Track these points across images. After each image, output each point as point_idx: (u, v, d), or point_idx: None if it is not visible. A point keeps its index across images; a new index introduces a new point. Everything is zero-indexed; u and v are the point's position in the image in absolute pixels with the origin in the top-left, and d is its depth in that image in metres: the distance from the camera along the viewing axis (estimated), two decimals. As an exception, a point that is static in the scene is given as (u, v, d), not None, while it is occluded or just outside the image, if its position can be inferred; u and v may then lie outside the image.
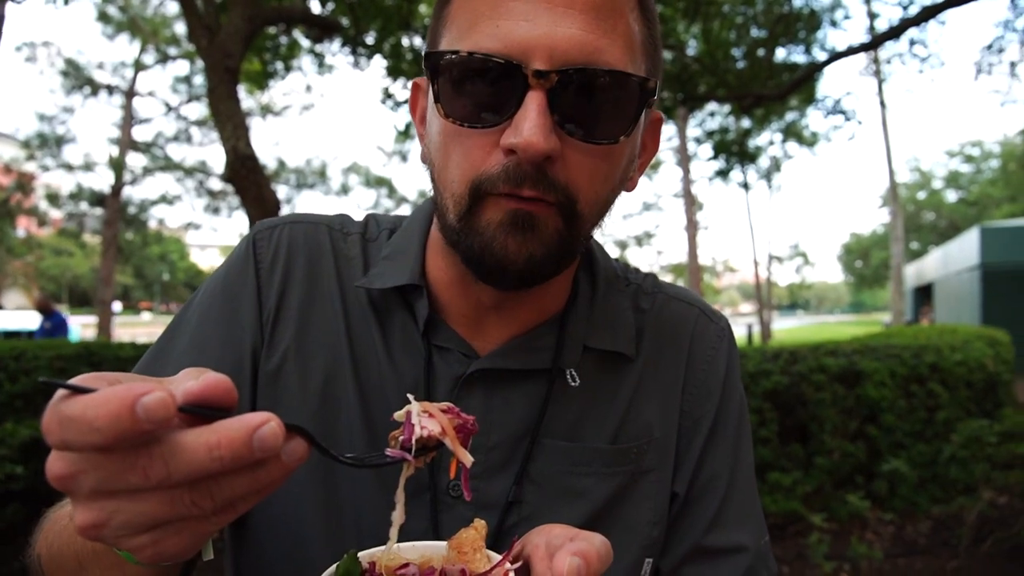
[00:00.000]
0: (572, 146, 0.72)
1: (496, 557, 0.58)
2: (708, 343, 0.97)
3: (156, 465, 0.44)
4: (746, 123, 15.24)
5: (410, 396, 0.63)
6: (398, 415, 0.62)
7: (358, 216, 1.01)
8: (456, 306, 0.88)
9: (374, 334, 0.88)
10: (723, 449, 0.95)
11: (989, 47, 10.04)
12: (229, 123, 4.45)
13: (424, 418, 0.60)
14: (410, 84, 0.88)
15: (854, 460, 5.52)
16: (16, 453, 4.52)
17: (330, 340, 0.88)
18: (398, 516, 0.61)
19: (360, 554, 0.59)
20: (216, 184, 25.93)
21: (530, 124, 0.68)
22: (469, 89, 0.72)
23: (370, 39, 9.40)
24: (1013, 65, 10.20)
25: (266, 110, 24.54)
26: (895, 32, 8.74)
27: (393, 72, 9.85)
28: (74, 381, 0.45)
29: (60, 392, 0.44)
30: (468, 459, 0.60)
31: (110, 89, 23.53)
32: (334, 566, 0.58)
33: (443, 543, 0.61)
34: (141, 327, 47.47)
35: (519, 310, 0.87)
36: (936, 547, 5.01)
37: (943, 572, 4.60)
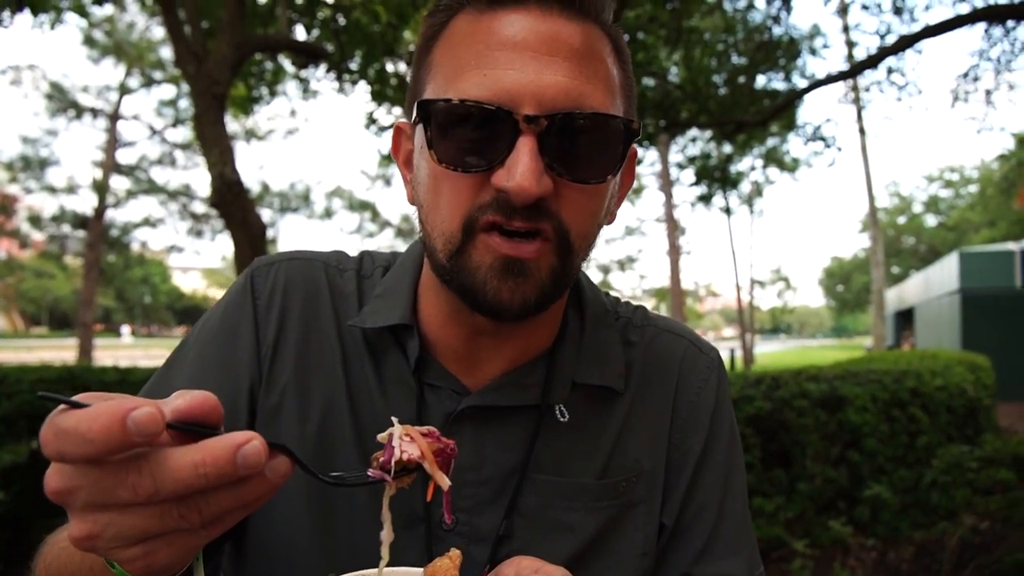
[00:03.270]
0: (563, 186, 0.75)
1: None
2: (698, 375, 0.99)
3: (144, 481, 0.46)
4: (728, 149, 15.42)
5: (394, 419, 0.65)
6: (381, 437, 0.64)
7: (353, 252, 1.03)
8: (447, 344, 0.89)
9: (368, 371, 0.90)
10: (712, 481, 0.95)
11: (965, 75, 10.23)
12: (216, 149, 4.47)
13: (405, 441, 0.63)
14: (392, 127, 0.91)
15: (836, 485, 5.54)
16: (-2, 479, 4.47)
17: (327, 377, 0.90)
18: (386, 535, 0.64)
19: None
20: (199, 207, 25.86)
21: (522, 168, 0.71)
22: (461, 135, 0.74)
23: (354, 65, 9.47)
24: (988, 93, 10.39)
25: (250, 134, 24.57)
26: (873, 61, 8.91)
27: (378, 97, 9.91)
28: (74, 398, 0.47)
29: (59, 407, 0.46)
30: (445, 483, 0.63)
31: (94, 112, 23.53)
32: None
33: (419, 570, 0.63)
34: (122, 349, 46.96)
35: (509, 347, 0.88)
36: (918, 573, 5.03)
37: (926, 598, 4.62)
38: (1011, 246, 18.69)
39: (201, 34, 5.09)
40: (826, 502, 5.52)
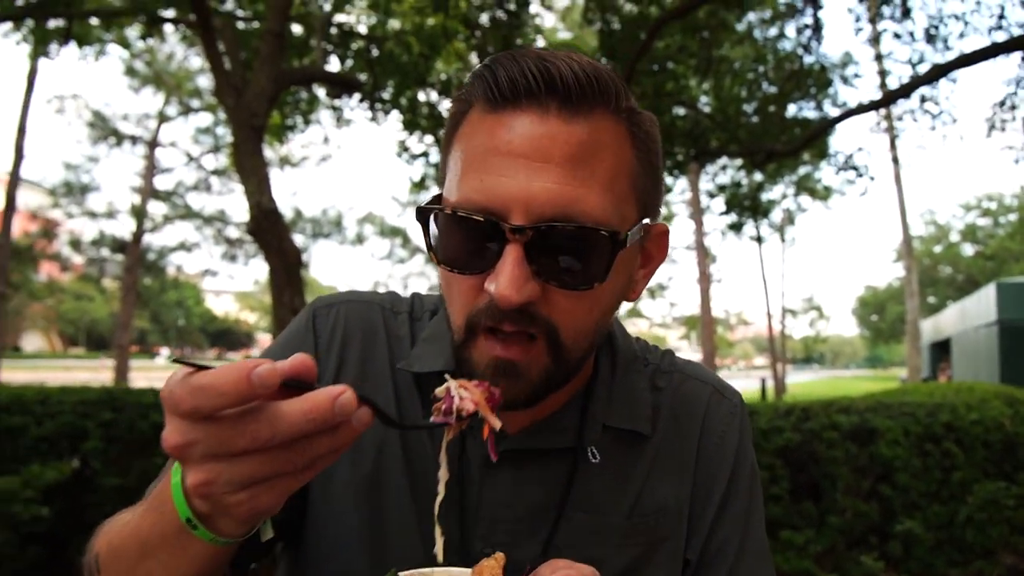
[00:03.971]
0: (551, 291, 0.78)
1: None
2: (720, 420, 1.02)
3: (264, 429, 0.54)
4: (758, 177, 15.36)
5: (447, 376, 0.74)
6: (439, 391, 0.73)
7: (405, 293, 1.09)
8: None
9: (418, 412, 0.95)
10: (734, 519, 0.99)
11: (1001, 104, 10.12)
12: (253, 178, 4.59)
13: (462, 391, 0.72)
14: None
15: (867, 520, 5.45)
16: (41, 495, 4.57)
17: (375, 433, 0.95)
18: (443, 473, 0.74)
19: (400, 573, 0.68)
20: (233, 232, 26.33)
21: (505, 277, 0.74)
22: (456, 239, 0.80)
23: (387, 94, 9.65)
24: (1025, 122, 10.27)
25: (284, 161, 25.04)
26: (906, 90, 8.88)
27: (409, 126, 10.09)
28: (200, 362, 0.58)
29: (183, 371, 0.55)
30: (497, 423, 0.71)
31: (134, 139, 24.20)
32: None
33: (467, 570, 0.69)
34: (156, 371, 47.62)
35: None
36: (953, 611, 4.92)
37: (961, 637, 4.51)
38: (1050, 277, 18.30)
39: (240, 67, 5.25)
40: (857, 536, 5.43)
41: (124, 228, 25.48)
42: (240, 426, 0.54)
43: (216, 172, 25.36)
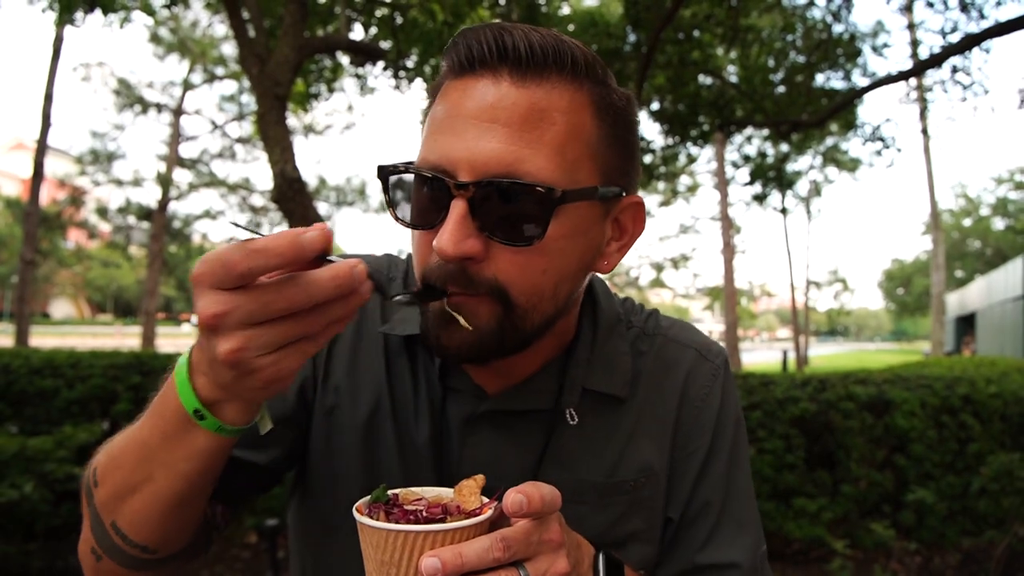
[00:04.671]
0: (495, 247, 0.82)
1: (486, 501, 0.72)
2: (702, 383, 1.05)
3: (300, 293, 0.62)
4: (784, 148, 15.18)
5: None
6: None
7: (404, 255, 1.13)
8: None
9: (406, 373, 1.00)
10: (715, 477, 1.02)
11: (1033, 75, 9.91)
12: (278, 147, 4.65)
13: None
14: None
15: (881, 489, 5.50)
16: (74, 455, 4.75)
17: (374, 377, 1.00)
18: None
19: (390, 491, 0.75)
20: (258, 200, 26.52)
21: (446, 231, 0.79)
22: (411, 196, 0.86)
23: (411, 62, 9.64)
24: (1059, 94, 10.05)
25: (308, 129, 25.11)
26: (937, 60, 8.71)
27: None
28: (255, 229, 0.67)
29: (234, 239, 0.64)
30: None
31: (159, 107, 24.33)
32: (371, 494, 0.74)
33: (451, 489, 0.75)
34: (182, 338, 48.33)
35: (522, 357, 0.94)
36: (964, 579, 4.98)
37: (971, 605, 4.58)
38: (1080, 251, 18.02)
39: (264, 35, 5.29)
40: (870, 506, 5.49)
41: (150, 196, 25.75)
42: (280, 291, 0.62)
43: (240, 140, 25.50)
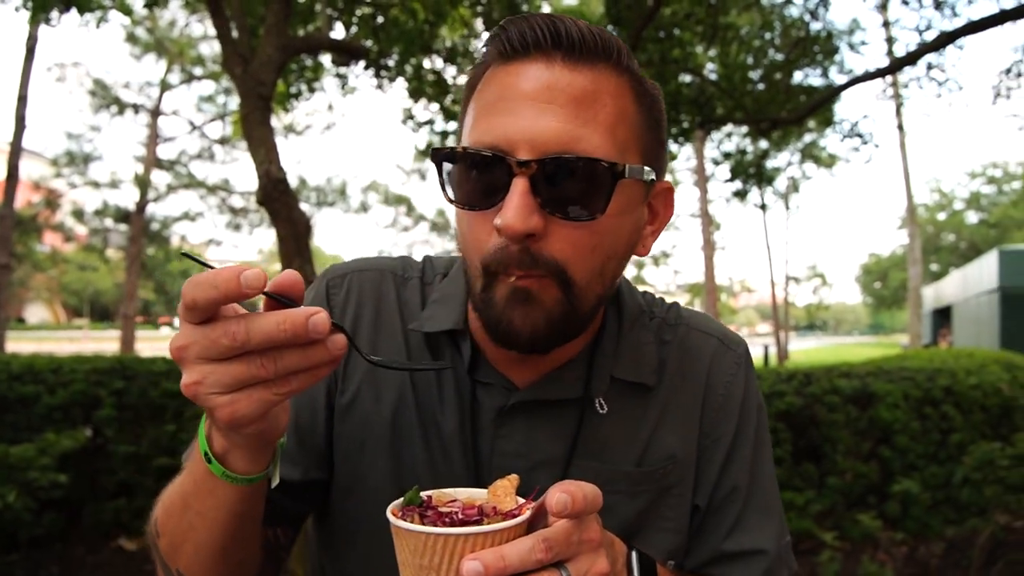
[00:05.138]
0: (556, 223, 0.83)
1: (522, 501, 0.72)
2: (725, 370, 1.07)
3: (240, 329, 0.62)
4: (763, 145, 15.31)
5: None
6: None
7: (417, 256, 1.14)
8: (495, 346, 0.97)
9: (429, 371, 1.01)
10: (741, 465, 1.04)
11: (1007, 71, 10.06)
12: (262, 148, 4.62)
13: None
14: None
15: (867, 481, 5.58)
16: (56, 462, 4.69)
17: (396, 375, 1.01)
18: None
19: (423, 492, 0.75)
20: (238, 201, 26.32)
21: (510, 208, 0.80)
22: (468, 178, 0.86)
23: (391, 61, 9.61)
24: (1031, 90, 10.21)
25: (288, 129, 24.94)
26: (913, 57, 8.82)
27: (415, 94, 10.05)
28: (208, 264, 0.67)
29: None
30: None
31: (136, 108, 24.03)
32: (402, 497, 0.73)
33: (484, 490, 0.75)
34: (161, 341, 47.85)
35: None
36: (948, 568, 5.06)
37: (955, 593, 4.66)
38: (1053, 244, 18.33)
39: (247, 35, 5.25)
40: (856, 497, 5.56)
41: (127, 198, 25.47)
42: (224, 327, 0.62)
43: (220, 141, 25.29)
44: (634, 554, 0.81)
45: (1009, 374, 7.03)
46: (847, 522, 5.39)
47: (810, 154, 25.38)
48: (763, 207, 27.69)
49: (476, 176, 0.85)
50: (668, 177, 1.00)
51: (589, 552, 0.69)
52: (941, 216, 53.82)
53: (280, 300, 0.66)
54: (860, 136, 11.86)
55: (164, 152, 25.44)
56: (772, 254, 57.15)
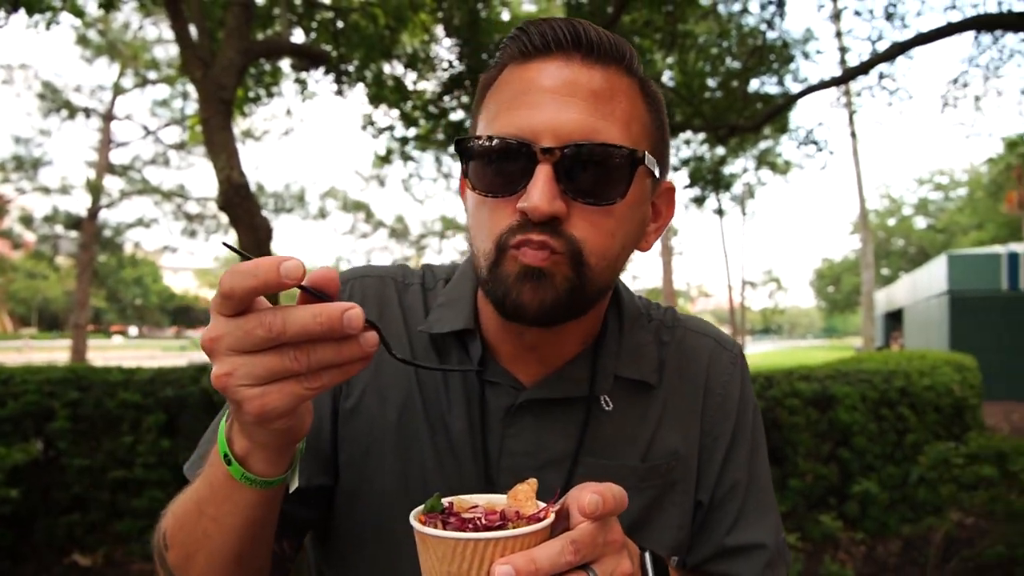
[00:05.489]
0: (577, 208, 0.86)
1: (544, 505, 0.72)
2: (723, 370, 1.10)
3: (277, 320, 0.62)
4: (721, 151, 15.54)
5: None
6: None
7: (415, 265, 1.15)
8: (503, 346, 1.00)
9: (436, 372, 1.01)
10: (740, 461, 1.07)
11: (955, 81, 10.38)
12: (223, 153, 4.55)
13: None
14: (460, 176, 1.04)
15: (827, 482, 5.68)
16: (7, 476, 4.54)
17: (400, 378, 1.01)
18: None
19: (444, 499, 0.74)
20: (194, 207, 25.88)
21: (537, 191, 0.83)
22: (491, 166, 0.88)
23: (352, 67, 9.55)
24: (977, 99, 10.57)
25: (246, 135, 24.61)
26: (865, 67, 9.04)
27: (375, 100, 10.01)
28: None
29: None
30: None
31: (87, 112, 23.51)
32: (424, 504, 0.73)
33: (504, 495, 0.75)
34: (112, 350, 46.80)
35: (556, 347, 1.00)
36: (905, 566, 5.17)
37: (913, 590, 4.77)
38: (998, 249, 18.91)
39: (208, 39, 5.17)
40: (817, 499, 5.66)
41: (79, 204, 24.90)
42: (259, 318, 0.62)
43: (175, 146, 24.85)
44: (647, 555, 0.82)
45: (959, 375, 7.24)
46: (809, 523, 5.48)
47: (765, 161, 25.82)
48: (720, 213, 28.09)
49: (499, 164, 0.88)
50: None
51: (614, 553, 0.71)
52: (891, 221, 55.22)
53: (316, 295, 0.65)
54: (815, 143, 12.12)
55: (117, 157, 24.92)
56: (729, 259, 58.04)
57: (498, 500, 0.76)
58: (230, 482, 0.76)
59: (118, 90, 23.48)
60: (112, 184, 24.83)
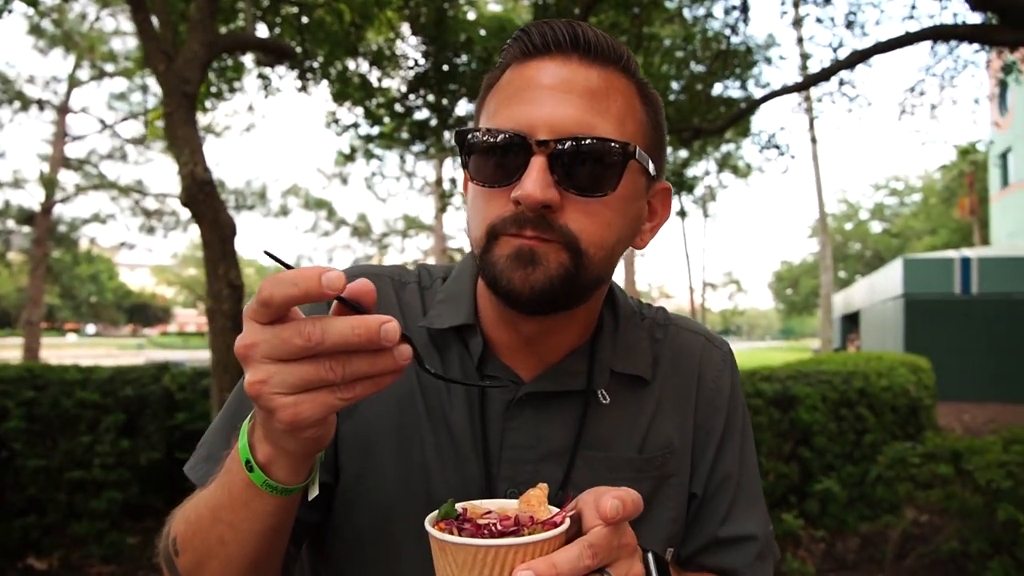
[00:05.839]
0: (571, 199, 0.89)
1: (556, 510, 0.73)
2: (714, 366, 1.13)
3: (316, 330, 0.62)
4: (684, 153, 15.70)
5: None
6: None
7: (411, 266, 1.16)
8: (502, 340, 1.02)
9: (436, 366, 1.02)
10: (731, 454, 1.10)
11: (911, 89, 10.61)
12: (187, 148, 4.46)
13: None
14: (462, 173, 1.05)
15: (788, 481, 5.77)
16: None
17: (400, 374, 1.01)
18: None
19: (458, 504, 0.75)
20: (152, 203, 25.39)
21: (531, 180, 0.86)
22: (488, 158, 0.91)
23: (316, 63, 9.45)
24: (933, 107, 10.81)
25: (207, 131, 24.20)
26: (826, 74, 9.19)
27: (339, 97, 9.92)
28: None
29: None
30: None
31: (41, 104, 22.87)
32: (437, 510, 0.73)
33: (515, 500, 0.76)
34: (66, 348, 45.70)
35: (553, 342, 1.01)
36: (863, 563, 5.28)
37: (871, 587, 4.86)
38: (951, 254, 19.41)
39: (171, 31, 5.08)
40: (779, 497, 5.75)
41: (32, 198, 24.19)
42: (297, 327, 0.62)
43: (133, 140, 24.33)
44: (650, 555, 0.83)
45: (915, 376, 7.41)
46: (771, 522, 5.56)
47: (728, 164, 26.13)
48: (682, 214, 28.36)
49: (496, 156, 0.90)
50: None
51: (628, 556, 0.72)
52: (848, 226, 56.36)
53: (353, 307, 0.66)
54: (777, 147, 12.31)
55: (72, 151, 24.34)
56: (690, 261, 58.65)
57: (509, 505, 0.76)
58: (250, 489, 0.76)
59: (74, 82, 22.91)
60: (67, 178, 24.29)
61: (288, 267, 0.64)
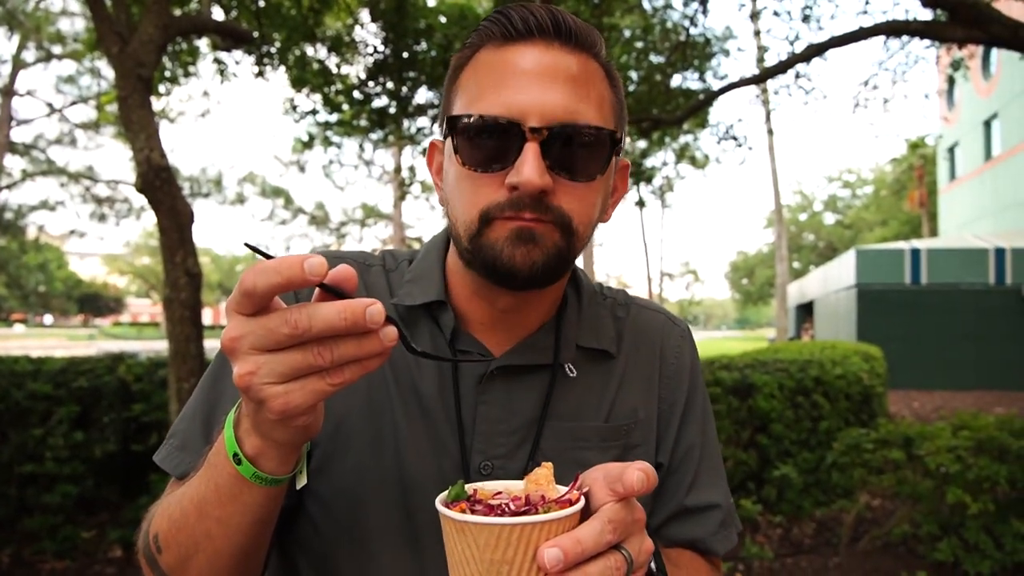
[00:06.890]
0: (561, 184, 0.92)
1: (563, 488, 0.73)
2: (674, 343, 1.18)
3: (303, 317, 0.63)
4: (642, 144, 15.80)
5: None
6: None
7: (373, 251, 1.17)
8: (473, 317, 1.05)
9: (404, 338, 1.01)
10: (694, 426, 1.14)
11: (865, 83, 10.82)
12: (142, 133, 4.35)
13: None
14: (428, 144, 1.08)
15: (747, 468, 5.88)
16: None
17: None
18: None
19: (467, 486, 0.75)
20: (103, 190, 24.76)
21: (528, 167, 0.88)
22: (480, 143, 0.92)
23: (274, 49, 9.28)
24: (886, 101, 11.03)
25: (161, 116, 23.63)
26: (783, 67, 9.32)
27: (297, 83, 9.77)
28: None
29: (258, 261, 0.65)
30: None
31: (-15, 86, 22.15)
32: (446, 491, 0.73)
33: (518, 481, 0.76)
34: (14, 340, 44.46)
35: (523, 317, 1.04)
36: (820, 546, 5.40)
37: (825, 569, 4.97)
38: (902, 245, 19.88)
39: (125, 12, 4.93)
40: (738, 483, 5.85)
41: (-24, 184, 23.43)
42: (283, 315, 0.63)
43: (83, 125, 23.67)
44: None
45: (867, 364, 7.59)
46: (729, 507, 5.66)
47: (685, 154, 26.37)
48: (641, 204, 28.56)
49: (488, 142, 0.92)
50: None
51: (639, 532, 0.73)
52: (802, 217, 57.39)
53: (336, 292, 0.66)
54: (734, 139, 12.44)
55: (19, 135, 23.58)
56: (648, 251, 59.17)
57: (515, 486, 0.77)
58: (238, 482, 0.77)
59: (19, 64, 22.20)
60: (13, 164, 23.54)
61: (269, 257, 0.64)
